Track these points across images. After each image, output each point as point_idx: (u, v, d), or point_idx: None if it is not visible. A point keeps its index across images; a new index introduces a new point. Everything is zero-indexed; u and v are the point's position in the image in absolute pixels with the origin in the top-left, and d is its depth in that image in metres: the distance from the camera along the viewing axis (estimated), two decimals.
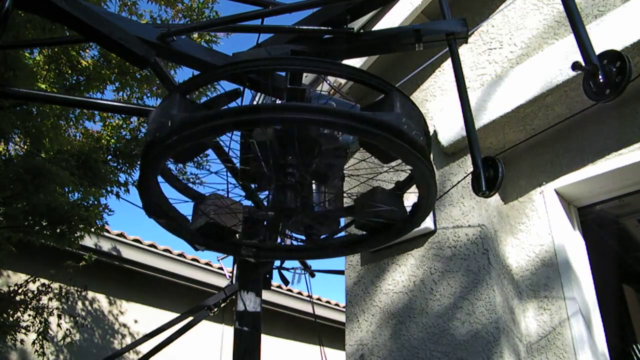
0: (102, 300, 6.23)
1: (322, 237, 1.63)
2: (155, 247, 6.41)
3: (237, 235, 1.52)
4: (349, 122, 1.09)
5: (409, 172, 1.49)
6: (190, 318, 3.57)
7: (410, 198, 1.46)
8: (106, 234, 5.85)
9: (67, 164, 3.82)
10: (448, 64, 2.92)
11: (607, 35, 2.13)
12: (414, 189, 1.43)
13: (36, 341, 4.54)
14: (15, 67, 2.97)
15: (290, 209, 1.37)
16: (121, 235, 6.14)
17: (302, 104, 1.27)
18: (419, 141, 1.17)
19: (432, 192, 1.34)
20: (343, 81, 2.91)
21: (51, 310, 4.68)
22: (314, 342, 7.02)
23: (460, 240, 2.47)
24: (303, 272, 4.19)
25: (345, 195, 1.60)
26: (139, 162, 4.61)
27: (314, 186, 1.50)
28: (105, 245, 6.02)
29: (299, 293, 7.82)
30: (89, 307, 6.07)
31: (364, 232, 1.59)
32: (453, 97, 2.78)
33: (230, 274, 3.82)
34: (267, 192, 1.52)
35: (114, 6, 4.92)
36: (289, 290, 7.72)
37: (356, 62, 2.99)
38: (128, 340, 6.23)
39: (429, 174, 1.26)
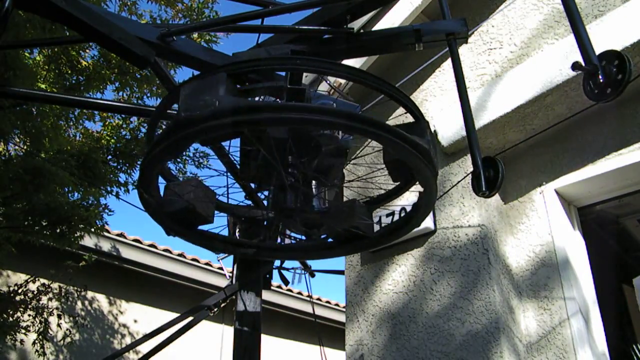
0: (102, 300, 6.23)
1: (322, 237, 1.62)
2: (155, 247, 6.41)
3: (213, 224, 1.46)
4: (395, 140, 1.12)
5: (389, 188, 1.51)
6: (190, 318, 3.57)
7: (411, 199, 1.47)
8: (106, 234, 5.84)
9: (67, 164, 3.82)
10: (448, 64, 2.92)
11: (607, 35, 2.13)
12: (409, 194, 1.44)
13: (36, 341, 4.54)
14: (15, 67, 2.97)
15: (290, 209, 1.36)
16: (121, 235, 6.14)
17: (310, 105, 1.27)
18: (436, 167, 1.23)
19: (433, 194, 1.35)
20: (343, 81, 2.91)
21: (51, 310, 4.68)
22: (314, 342, 7.02)
23: (460, 240, 2.47)
24: (303, 272, 4.19)
25: (344, 196, 1.60)
26: (139, 162, 4.62)
27: (313, 186, 1.50)
28: (105, 245, 6.01)
29: (299, 293, 7.81)
30: (89, 307, 6.07)
31: (332, 240, 1.57)
32: (453, 97, 2.78)
33: (230, 274, 3.81)
34: (267, 192, 1.52)
35: (114, 6, 4.92)
36: (289, 290, 7.72)
37: (356, 62, 2.99)
38: (128, 340, 6.23)
39: (435, 192, 1.29)
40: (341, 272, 3.18)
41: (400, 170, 1.35)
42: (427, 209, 1.39)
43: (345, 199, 1.62)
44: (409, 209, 1.49)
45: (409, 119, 1.30)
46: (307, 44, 1.62)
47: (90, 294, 6.04)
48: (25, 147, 4.05)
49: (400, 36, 1.65)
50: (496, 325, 2.19)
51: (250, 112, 1.11)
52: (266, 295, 5.38)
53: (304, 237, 1.61)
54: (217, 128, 1.09)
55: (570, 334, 2.19)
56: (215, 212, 1.44)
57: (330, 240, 1.57)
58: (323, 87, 2.87)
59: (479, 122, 2.48)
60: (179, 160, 5.01)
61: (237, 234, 3.24)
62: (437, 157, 1.28)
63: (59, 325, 4.84)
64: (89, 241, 5.58)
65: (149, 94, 4.92)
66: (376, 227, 2.10)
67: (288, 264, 3.97)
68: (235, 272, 3.53)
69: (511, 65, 2.61)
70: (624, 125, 2.31)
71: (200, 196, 1.32)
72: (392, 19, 2.95)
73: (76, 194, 4.33)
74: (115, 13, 3.64)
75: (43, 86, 3.93)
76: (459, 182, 2.57)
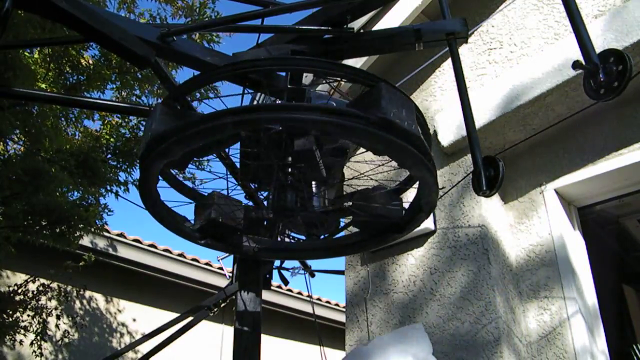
0: (101, 300, 6.23)
1: (322, 237, 1.62)
2: (155, 247, 6.41)
3: (237, 233, 1.52)
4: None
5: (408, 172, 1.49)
6: (190, 318, 3.56)
7: (409, 198, 1.46)
8: (106, 233, 5.84)
9: (67, 163, 3.81)
10: (448, 64, 2.92)
11: (607, 35, 2.13)
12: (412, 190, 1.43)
13: (34, 341, 4.53)
14: (15, 67, 2.97)
15: (290, 209, 1.36)
16: (121, 235, 6.13)
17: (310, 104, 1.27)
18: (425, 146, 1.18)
19: (434, 193, 1.34)
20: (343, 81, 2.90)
21: (50, 310, 4.68)
22: (314, 342, 7.02)
23: (460, 240, 2.47)
24: (303, 272, 4.18)
25: (345, 193, 1.59)
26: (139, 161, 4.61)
27: (313, 186, 1.50)
28: (105, 245, 6.02)
29: (299, 293, 7.81)
30: (88, 307, 6.07)
31: (360, 232, 1.57)
32: (453, 97, 2.78)
33: (230, 274, 3.81)
34: (266, 193, 1.52)
35: (113, 4, 4.91)
36: (289, 290, 7.72)
37: (356, 62, 2.99)
38: (127, 340, 6.23)
39: (432, 179, 1.27)
40: (341, 272, 3.18)
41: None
42: (428, 210, 1.39)
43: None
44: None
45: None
46: (307, 44, 1.62)
47: (89, 294, 6.04)
48: (24, 147, 4.04)
49: (400, 36, 1.65)
50: (496, 325, 2.19)
51: (248, 113, 1.10)
52: (266, 295, 5.38)
53: (303, 237, 1.61)
54: (216, 129, 1.09)
55: (570, 334, 2.19)
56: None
57: (358, 233, 1.56)
58: (323, 87, 2.87)
59: (479, 122, 2.48)
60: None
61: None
62: (435, 157, 1.26)
63: (57, 325, 4.84)
64: (88, 241, 5.58)
65: (148, 95, 4.92)
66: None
67: (288, 263, 3.97)
68: (235, 272, 3.52)
69: (511, 65, 2.61)
70: (624, 125, 2.31)
71: (224, 208, 1.37)
72: (392, 19, 2.95)
73: (76, 194, 4.32)
74: (115, 13, 3.64)
75: (43, 86, 3.93)
76: (459, 182, 2.57)
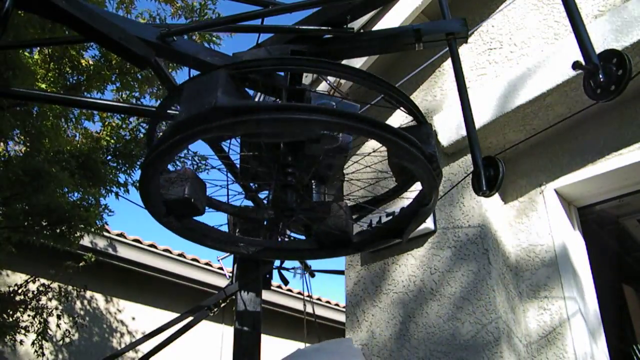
0: (101, 300, 6.23)
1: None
2: (155, 247, 6.41)
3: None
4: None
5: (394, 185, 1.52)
6: (190, 318, 3.57)
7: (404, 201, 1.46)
8: (106, 233, 5.84)
9: (67, 164, 3.81)
10: (448, 64, 2.92)
11: (607, 35, 2.13)
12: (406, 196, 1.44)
13: (35, 341, 4.54)
14: (15, 67, 2.97)
15: (290, 209, 1.36)
16: (121, 235, 6.14)
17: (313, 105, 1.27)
18: (440, 172, 1.29)
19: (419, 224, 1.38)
20: (343, 81, 2.91)
21: (50, 310, 4.68)
22: (314, 342, 7.02)
23: (460, 240, 2.47)
24: (303, 272, 4.18)
25: (345, 195, 1.59)
26: (138, 163, 4.61)
27: (313, 186, 1.50)
28: (106, 245, 6.02)
29: (299, 293, 7.81)
30: (88, 307, 6.07)
31: (315, 239, 1.54)
32: (453, 97, 2.78)
33: (230, 274, 3.81)
34: (267, 192, 1.52)
35: (112, 4, 4.90)
36: (289, 290, 7.72)
37: (356, 62, 2.99)
38: (127, 340, 6.23)
39: (435, 189, 1.31)
40: (341, 272, 3.18)
41: (406, 174, 1.37)
42: (426, 213, 1.39)
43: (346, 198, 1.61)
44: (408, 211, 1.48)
45: (408, 118, 1.30)
46: (307, 44, 1.62)
47: (89, 294, 6.04)
48: (25, 148, 4.04)
49: (400, 36, 1.65)
50: (496, 325, 2.19)
51: (249, 113, 1.10)
52: (266, 295, 5.38)
53: (304, 237, 1.61)
54: (216, 129, 1.08)
55: (570, 334, 2.19)
56: (217, 212, 1.44)
57: (315, 242, 1.53)
58: (323, 87, 2.87)
59: (479, 122, 2.48)
60: (178, 163, 5.00)
61: (236, 234, 3.23)
62: (440, 159, 1.30)
63: (58, 325, 4.84)
64: (88, 241, 5.59)
65: (148, 96, 4.92)
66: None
67: (288, 264, 3.97)
68: (235, 272, 3.53)
69: (511, 65, 2.61)
70: (624, 125, 2.31)
71: (196, 188, 1.32)
72: (392, 19, 2.95)
73: (76, 194, 4.33)
74: (115, 13, 3.64)
75: (43, 86, 3.93)
76: (459, 182, 2.57)
